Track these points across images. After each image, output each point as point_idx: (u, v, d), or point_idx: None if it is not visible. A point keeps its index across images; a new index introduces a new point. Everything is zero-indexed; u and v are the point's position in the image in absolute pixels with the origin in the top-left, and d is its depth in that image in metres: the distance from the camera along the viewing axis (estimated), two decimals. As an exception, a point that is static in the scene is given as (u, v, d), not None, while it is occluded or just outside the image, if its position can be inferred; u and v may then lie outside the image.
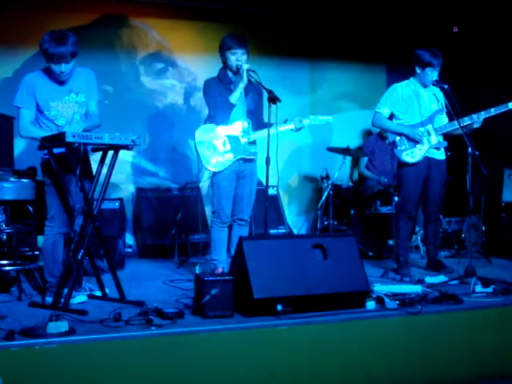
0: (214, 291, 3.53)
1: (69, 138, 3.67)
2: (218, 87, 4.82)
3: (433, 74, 5.04)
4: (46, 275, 4.14)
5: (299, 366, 3.42)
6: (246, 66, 4.69)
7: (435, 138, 5.12)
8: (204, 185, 6.62)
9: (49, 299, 3.96)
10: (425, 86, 5.14)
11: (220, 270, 4.73)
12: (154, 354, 3.18)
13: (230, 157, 4.78)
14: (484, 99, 5.38)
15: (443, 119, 5.21)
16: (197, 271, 3.73)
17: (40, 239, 4.36)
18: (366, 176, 6.83)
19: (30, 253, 4.65)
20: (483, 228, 6.26)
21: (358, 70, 7.49)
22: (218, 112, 4.80)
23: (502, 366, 3.86)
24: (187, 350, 3.26)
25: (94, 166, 4.18)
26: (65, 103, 4.07)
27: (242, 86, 4.72)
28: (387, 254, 5.96)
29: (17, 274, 4.31)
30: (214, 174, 4.82)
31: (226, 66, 4.84)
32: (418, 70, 5.10)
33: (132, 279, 4.85)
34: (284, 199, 7.09)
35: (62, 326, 3.18)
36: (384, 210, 6.30)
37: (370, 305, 3.81)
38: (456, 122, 4.90)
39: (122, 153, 4.13)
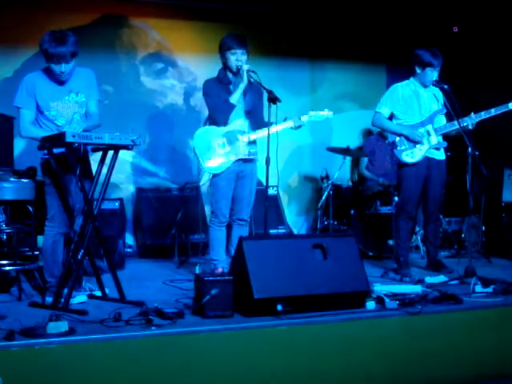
0: (214, 291, 3.53)
1: (69, 138, 3.67)
2: (218, 88, 4.82)
3: (433, 74, 5.04)
4: (46, 275, 4.14)
5: (299, 366, 3.42)
6: (246, 67, 4.68)
7: (435, 139, 5.12)
8: (204, 185, 6.61)
9: (49, 299, 3.96)
10: (425, 86, 5.14)
11: (220, 269, 4.73)
12: (153, 354, 3.18)
13: (230, 158, 4.78)
14: (484, 99, 5.38)
15: (443, 119, 5.22)
16: (197, 271, 3.73)
17: (40, 239, 4.36)
18: (366, 176, 6.83)
19: (30, 253, 4.65)
20: (483, 228, 6.26)
21: (358, 70, 7.49)
22: (218, 113, 4.80)
23: (502, 366, 3.86)
24: (187, 350, 3.26)
25: (94, 166, 4.18)
26: (65, 103, 4.07)
27: (242, 86, 4.71)
28: (387, 254, 5.96)
29: (17, 274, 4.31)
30: (214, 174, 4.82)
31: (225, 66, 4.84)
32: (418, 70, 5.10)
33: (132, 279, 4.85)
34: (284, 199, 7.09)
35: (62, 325, 3.18)
36: (384, 209, 6.30)
37: (370, 305, 3.81)
38: (456, 122, 4.91)
39: (122, 153, 4.13)
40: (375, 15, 7.24)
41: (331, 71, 7.43)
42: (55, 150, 3.92)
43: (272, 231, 6.42)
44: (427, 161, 5.10)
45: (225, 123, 4.80)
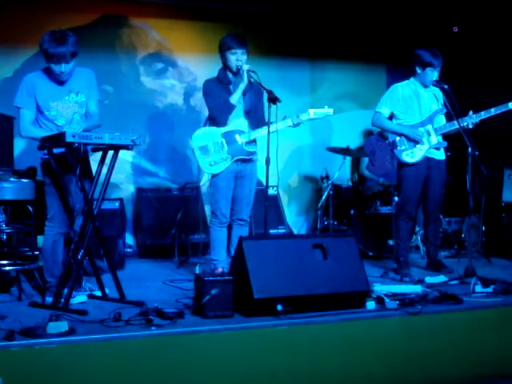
0: (214, 291, 3.53)
1: (69, 138, 3.67)
2: (218, 88, 4.82)
3: (433, 74, 5.04)
4: (46, 275, 4.14)
5: (299, 366, 3.42)
6: (246, 67, 4.68)
7: (435, 138, 5.12)
8: (204, 185, 6.61)
9: (49, 299, 3.96)
10: (425, 86, 5.14)
11: (220, 270, 4.73)
12: (153, 353, 3.18)
13: (228, 158, 4.78)
14: (484, 99, 5.38)
15: (443, 119, 5.22)
16: (197, 271, 3.73)
17: (40, 239, 4.36)
18: (366, 176, 6.83)
19: (30, 253, 4.65)
20: (483, 228, 6.26)
21: (358, 70, 7.49)
22: (218, 113, 4.80)
23: (502, 366, 3.86)
24: (187, 349, 3.26)
25: (94, 166, 4.18)
26: (65, 103, 4.07)
27: (242, 86, 4.71)
28: (387, 254, 5.96)
29: (17, 274, 4.31)
30: (213, 174, 4.82)
31: (225, 66, 4.84)
32: (419, 70, 5.10)
33: (132, 279, 4.85)
34: (284, 199, 7.09)
35: (62, 325, 3.18)
36: (384, 209, 6.30)
37: (370, 305, 3.81)
38: (456, 122, 4.91)
39: (122, 153, 4.13)
40: (375, 15, 7.24)
41: (331, 71, 7.43)
42: (55, 150, 3.92)
43: (272, 231, 6.42)
44: (427, 161, 5.10)
45: (225, 123, 4.80)
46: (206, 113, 5.04)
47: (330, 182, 6.46)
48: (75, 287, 3.96)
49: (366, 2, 6.90)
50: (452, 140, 5.27)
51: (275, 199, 6.72)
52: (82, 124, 3.97)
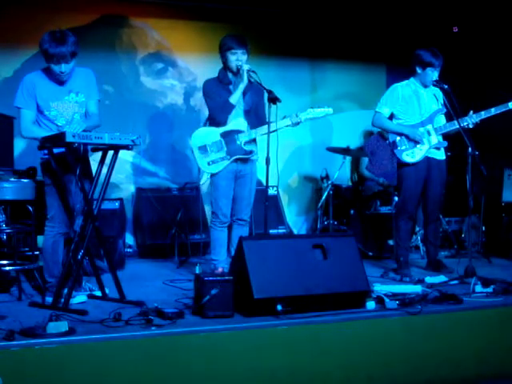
0: (214, 291, 3.53)
1: (69, 138, 3.67)
2: (218, 88, 4.82)
3: (433, 74, 5.04)
4: (46, 275, 4.14)
5: (299, 365, 3.42)
6: (246, 67, 4.69)
7: (435, 138, 5.13)
8: (204, 184, 6.61)
9: (49, 299, 3.96)
10: (425, 86, 5.14)
11: (220, 269, 4.72)
12: (154, 353, 3.18)
13: (226, 158, 4.78)
14: (484, 99, 5.38)
15: (443, 119, 5.22)
16: (197, 271, 3.73)
17: (40, 239, 4.36)
18: (366, 176, 6.83)
19: (30, 253, 4.65)
20: (483, 228, 6.25)
21: (358, 70, 7.49)
22: (218, 113, 4.80)
23: (502, 366, 3.86)
24: (187, 350, 3.26)
25: (94, 166, 4.18)
26: (65, 103, 4.07)
27: (242, 86, 4.71)
28: (387, 254, 5.96)
29: (17, 274, 4.31)
30: (212, 174, 4.82)
31: (226, 66, 4.84)
32: (419, 70, 5.10)
33: (132, 279, 4.85)
34: (284, 199, 7.09)
35: (62, 325, 3.18)
36: (384, 209, 6.30)
37: (370, 305, 3.81)
38: (456, 122, 4.91)
39: (122, 153, 4.13)
40: (375, 15, 7.24)
41: (331, 71, 7.43)
42: (55, 150, 3.92)
43: (272, 231, 6.42)
44: (427, 161, 5.10)
45: (224, 123, 4.81)
46: (206, 113, 5.04)
47: (329, 182, 6.46)
48: (75, 287, 3.96)
49: (366, 2, 6.90)
50: (452, 140, 5.27)
51: (275, 199, 6.72)
52: (82, 124, 3.96)
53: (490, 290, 4.18)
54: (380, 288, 4.14)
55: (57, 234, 4.11)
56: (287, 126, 4.78)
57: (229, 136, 4.80)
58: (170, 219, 6.23)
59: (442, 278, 4.68)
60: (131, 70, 6.73)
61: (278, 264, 3.72)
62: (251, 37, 5.03)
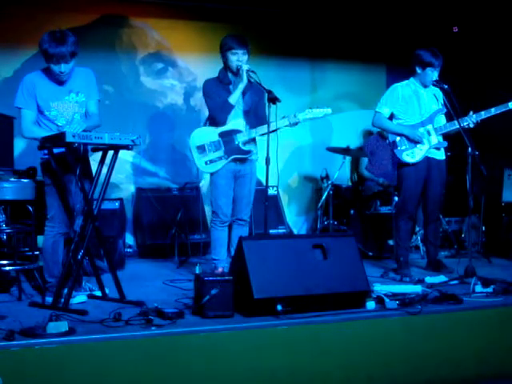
0: (214, 291, 3.53)
1: (69, 138, 3.66)
2: (218, 88, 4.82)
3: (433, 74, 5.04)
4: (46, 275, 4.14)
5: (299, 365, 3.42)
6: (245, 67, 4.69)
7: (435, 138, 5.13)
8: (204, 184, 6.63)
9: (49, 299, 3.96)
10: (425, 86, 5.14)
11: (220, 269, 4.73)
12: (154, 353, 3.18)
13: (224, 157, 4.78)
14: (484, 99, 5.38)
15: (443, 119, 5.22)
16: (197, 271, 3.73)
17: (40, 239, 4.36)
18: (366, 176, 6.83)
19: (30, 253, 4.65)
20: (483, 228, 6.26)
21: (358, 70, 7.49)
22: (217, 113, 4.80)
23: (502, 366, 3.86)
24: (187, 349, 3.26)
25: (94, 166, 4.18)
26: (65, 103, 4.07)
27: (241, 86, 4.71)
28: (387, 254, 5.96)
29: (17, 274, 4.31)
30: (211, 173, 4.83)
31: (226, 66, 4.84)
32: (419, 70, 5.10)
33: (132, 279, 4.85)
34: (284, 199, 7.09)
35: (62, 325, 3.18)
36: (384, 209, 6.30)
37: (370, 305, 3.81)
38: (456, 122, 4.91)
39: (122, 153, 4.13)
40: (375, 15, 7.24)
41: (331, 71, 7.43)
42: (55, 150, 3.92)
43: (272, 231, 6.42)
44: (427, 161, 5.10)
45: (224, 123, 4.81)
46: (206, 113, 5.04)
47: (329, 182, 6.46)
48: (75, 287, 3.96)
49: (366, 2, 6.90)
50: (452, 140, 5.27)
51: (275, 199, 6.72)
52: (82, 124, 3.96)
53: (490, 290, 4.18)
54: (380, 288, 4.14)
55: (57, 234, 4.11)
56: (285, 126, 4.78)
57: (227, 136, 4.81)
58: (170, 219, 6.23)
59: (442, 278, 4.68)
60: (131, 70, 6.73)
61: (277, 264, 3.72)
62: (251, 37, 5.02)
